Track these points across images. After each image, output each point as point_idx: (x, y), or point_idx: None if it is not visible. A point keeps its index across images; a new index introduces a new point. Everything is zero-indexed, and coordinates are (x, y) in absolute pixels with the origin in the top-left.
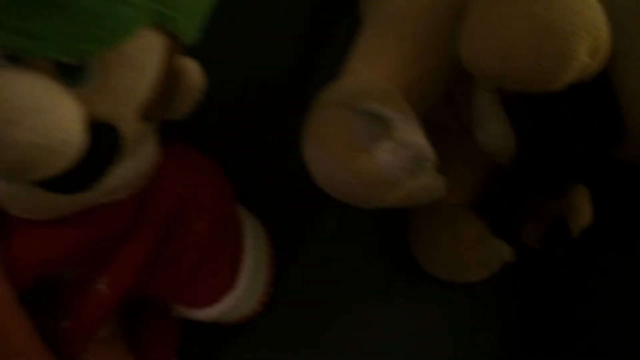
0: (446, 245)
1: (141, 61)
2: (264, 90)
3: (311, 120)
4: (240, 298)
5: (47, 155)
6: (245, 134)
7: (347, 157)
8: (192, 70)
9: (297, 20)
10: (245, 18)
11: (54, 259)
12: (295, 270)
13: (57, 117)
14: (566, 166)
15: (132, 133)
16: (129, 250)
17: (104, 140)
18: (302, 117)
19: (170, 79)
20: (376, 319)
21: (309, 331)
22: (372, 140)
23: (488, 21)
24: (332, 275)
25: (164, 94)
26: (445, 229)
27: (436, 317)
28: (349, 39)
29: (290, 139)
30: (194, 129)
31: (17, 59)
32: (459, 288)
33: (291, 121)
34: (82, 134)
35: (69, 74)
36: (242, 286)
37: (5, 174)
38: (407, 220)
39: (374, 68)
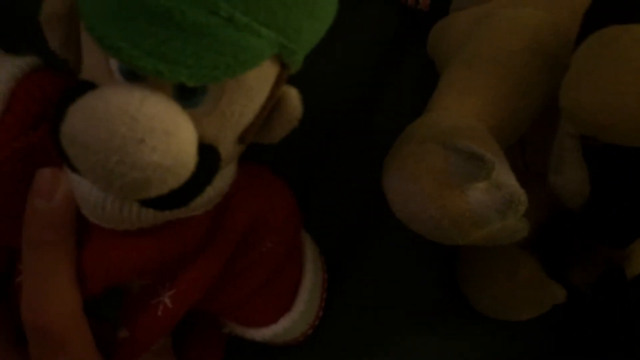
0: (500, 283)
1: (254, 88)
2: (330, 114)
3: (402, 154)
4: (295, 320)
5: (168, 176)
6: (307, 155)
7: (440, 194)
8: (293, 98)
9: (368, 52)
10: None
11: (127, 270)
12: (343, 295)
13: (180, 139)
14: (638, 220)
15: (227, 154)
16: (200, 266)
17: (207, 162)
18: (360, 142)
19: (273, 105)
20: (419, 349)
21: (353, 356)
22: (466, 179)
23: (594, 74)
24: (379, 301)
25: (264, 119)
26: (500, 266)
27: (479, 353)
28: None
29: (349, 163)
30: (259, 147)
31: (134, 76)
32: (503, 324)
33: (350, 146)
34: (196, 155)
35: (186, 95)
36: (298, 308)
37: (120, 191)
38: (457, 255)
39: (464, 106)
